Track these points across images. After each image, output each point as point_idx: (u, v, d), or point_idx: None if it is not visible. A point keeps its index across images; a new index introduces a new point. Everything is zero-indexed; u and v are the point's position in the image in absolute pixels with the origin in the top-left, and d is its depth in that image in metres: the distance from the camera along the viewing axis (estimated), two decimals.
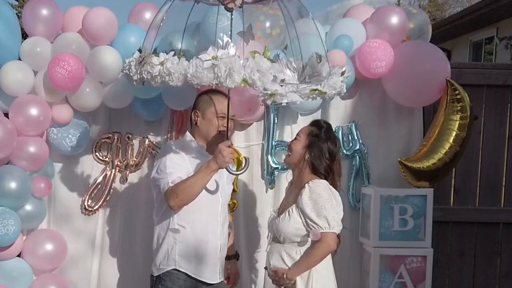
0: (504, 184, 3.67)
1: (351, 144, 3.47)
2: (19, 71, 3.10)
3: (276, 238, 2.70)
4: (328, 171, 2.68)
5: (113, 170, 3.44)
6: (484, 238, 3.68)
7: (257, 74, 2.11)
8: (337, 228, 2.58)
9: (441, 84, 3.23)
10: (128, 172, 3.45)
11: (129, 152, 3.43)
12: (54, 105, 3.19)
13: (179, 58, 2.19)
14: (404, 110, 3.46)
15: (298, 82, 2.25)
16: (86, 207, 3.43)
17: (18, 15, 3.89)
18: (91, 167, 3.46)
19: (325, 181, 2.63)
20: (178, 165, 2.68)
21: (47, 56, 3.14)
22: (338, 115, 3.49)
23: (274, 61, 2.21)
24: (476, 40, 11.75)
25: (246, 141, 3.47)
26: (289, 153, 2.75)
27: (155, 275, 2.80)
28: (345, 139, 3.47)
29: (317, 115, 3.48)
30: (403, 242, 3.32)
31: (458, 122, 3.19)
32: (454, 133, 3.19)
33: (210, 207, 2.77)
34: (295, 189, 2.71)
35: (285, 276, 2.57)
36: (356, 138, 3.47)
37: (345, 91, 2.44)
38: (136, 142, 3.44)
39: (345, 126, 3.48)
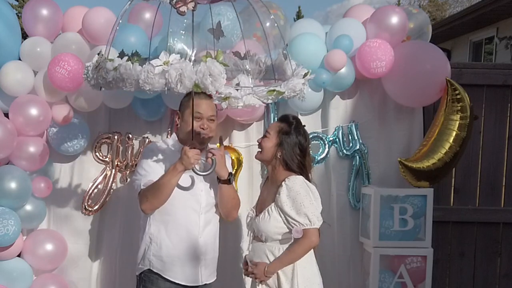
0: (504, 184, 3.67)
1: (351, 144, 3.47)
2: (19, 71, 3.10)
3: (257, 237, 2.68)
4: (301, 167, 2.65)
5: (113, 170, 3.44)
6: (484, 238, 3.68)
7: (209, 78, 2.09)
8: (317, 223, 2.58)
9: (441, 84, 3.23)
10: (128, 172, 3.44)
11: (129, 152, 3.43)
12: (54, 105, 3.19)
13: (132, 63, 2.15)
14: (404, 110, 3.46)
15: (252, 85, 2.22)
16: (86, 207, 3.43)
17: (18, 15, 3.89)
18: (91, 167, 3.46)
19: (301, 176, 2.62)
20: (153, 168, 2.66)
21: (47, 56, 3.14)
22: (338, 115, 3.49)
23: (227, 65, 2.18)
24: (476, 40, 11.74)
25: (246, 141, 3.47)
26: (259, 150, 2.72)
27: (136, 274, 2.79)
28: (345, 139, 3.47)
29: (317, 115, 3.49)
30: (403, 242, 3.32)
31: (458, 122, 3.19)
32: (454, 133, 3.20)
33: (188, 208, 2.71)
34: (272, 186, 2.69)
35: (265, 268, 2.56)
36: (356, 138, 3.47)
37: (304, 93, 2.41)
38: (136, 142, 3.44)
39: (345, 126, 3.48)
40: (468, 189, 3.68)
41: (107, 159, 3.44)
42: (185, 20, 2.25)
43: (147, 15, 3.24)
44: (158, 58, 2.12)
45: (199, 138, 2.67)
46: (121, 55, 2.24)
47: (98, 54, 2.36)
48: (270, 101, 2.31)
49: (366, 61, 3.21)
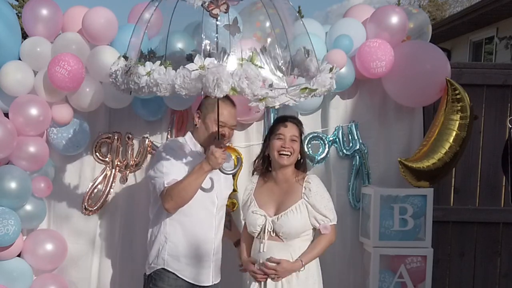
0: (504, 184, 3.67)
1: (351, 144, 3.47)
2: (19, 71, 3.10)
3: (274, 237, 2.72)
4: (305, 167, 2.87)
5: (113, 170, 3.44)
6: (484, 238, 3.68)
7: (245, 81, 2.09)
8: (334, 221, 2.78)
9: (441, 84, 3.23)
10: (128, 172, 3.45)
11: (129, 152, 3.43)
12: (54, 105, 3.19)
13: (165, 67, 2.15)
14: (404, 110, 3.46)
15: (286, 86, 2.24)
16: (86, 207, 3.43)
17: (18, 15, 3.89)
18: (91, 167, 3.46)
19: (315, 175, 2.85)
20: (175, 166, 2.67)
21: (47, 56, 3.14)
22: (338, 115, 3.49)
23: (262, 67, 2.19)
24: (476, 40, 11.74)
25: (246, 141, 3.47)
26: (289, 154, 2.77)
27: (147, 273, 2.81)
28: (345, 139, 3.48)
29: (317, 115, 3.48)
30: (403, 242, 3.32)
31: (458, 122, 3.19)
32: (454, 133, 3.20)
33: (205, 209, 2.75)
34: (284, 185, 2.79)
35: (301, 262, 2.68)
36: (356, 138, 3.47)
37: (334, 87, 2.45)
38: (136, 142, 3.44)
39: (345, 126, 3.48)
40: (468, 189, 3.68)
41: (107, 159, 3.44)
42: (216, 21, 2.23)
43: (147, 15, 3.24)
44: (193, 62, 2.10)
45: (222, 143, 2.67)
46: (147, 57, 2.26)
47: (124, 57, 2.35)
48: (302, 99, 2.31)
49: (366, 61, 3.21)
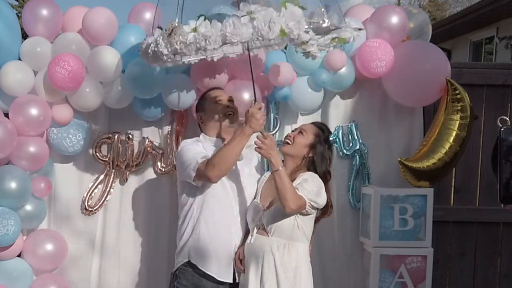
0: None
1: (351, 144, 3.47)
2: (19, 71, 3.10)
3: (263, 231, 2.68)
4: (325, 176, 2.74)
5: (113, 170, 3.44)
6: (484, 238, 3.68)
7: (292, 22, 2.15)
8: (309, 201, 2.59)
9: (441, 84, 3.23)
10: (128, 172, 3.44)
11: (129, 152, 3.42)
12: (54, 105, 3.19)
13: (210, 21, 2.21)
14: (404, 110, 3.46)
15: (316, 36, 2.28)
16: (86, 207, 3.43)
17: (18, 15, 3.89)
18: (91, 167, 3.46)
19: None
20: (198, 150, 2.71)
21: (47, 56, 3.14)
22: (338, 115, 3.49)
23: (305, 8, 2.24)
24: (476, 40, 11.74)
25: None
26: (290, 143, 2.76)
27: (173, 271, 2.83)
28: (345, 139, 3.47)
29: (317, 115, 3.48)
30: (403, 242, 3.32)
31: (458, 122, 3.19)
32: (454, 133, 3.19)
33: (227, 206, 2.77)
34: None
35: (280, 168, 2.55)
36: (356, 138, 3.47)
37: (355, 40, 2.51)
38: (136, 142, 3.44)
39: (345, 126, 3.48)
40: (468, 189, 3.68)
41: (107, 159, 3.43)
42: None
43: (147, 15, 3.24)
44: (228, 14, 2.23)
45: (231, 118, 2.81)
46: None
47: (159, 28, 2.39)
48: (330, 49, 2.43)
49: (366, 61, 3.21)
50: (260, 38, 2.20)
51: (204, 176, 2.62)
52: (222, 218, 2.76)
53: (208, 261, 2.74)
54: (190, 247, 2.75)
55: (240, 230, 2.81)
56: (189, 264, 2.75)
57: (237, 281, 2.78)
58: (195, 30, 2.21)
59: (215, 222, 2.74)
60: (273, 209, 2.66)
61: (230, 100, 2.89)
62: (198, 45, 2.23)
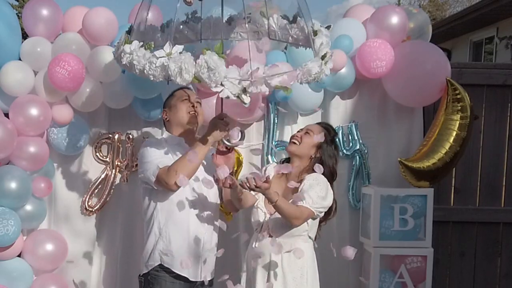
0: (504, 184, 3.67)
1: (351, 144, 3.47)
2: (19, 71, 3.10)
3: (268, 233, 2.68)
4: (331, 175, 2.76)
5: (113, 170, 3.44)
6: (484, 238, 3.68)
7: (206, 72, 2.14)
8: (316, 209, 2.60)
9: (441, 84, 3.23)
10: (128, 172, 3.44)
11: (129, 152, 3.42)
12: (54, 105, 3.19)
13: (145, 49, 2.22)
14: (404, 110, 3.46)
15: (265, 75, 2.22)
16: (86, 207, 3.43)
17: (18, 15, 3.89)
18: (91, 167, 3.46)
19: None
20: (159, 154, 2.68)
21: (47, 56, 3.14)
22: (338, 115, 3.49)
23: (224, 57, 2.22)
24: (476, 40, 11.74)
25: (246, 141, 3.45)
26: (296, 143, 2.76)
27: (142, 273, 2.77)
28: (345, 139, 3.47)
29: (317, 115, 3.48)
30: (403, 242, 3.32)
31: (458, 122, 3.19)
32: (454, 133, 3.20)
33: (195, 205, 2.73)
34: (290, 181, 2.69)
35: (277, 193, 2.51)
36: (356, 138, 3.47)
37: (326, 75, 2.47)
38: (136, 142, 3.44)
39: (345, 126, 3.48)
40: (468, 189, 3.67)
41: (107, 159, 3.44)
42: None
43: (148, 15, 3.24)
44: (163, 48, 2.18)
45: (194, 118, 2.78)
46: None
47: (127, 32, 2.42)
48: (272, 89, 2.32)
49: (366, 61, 3.21)
50: (173, 81, 2.18)
51: (164, 183, 2.60)
52: (189, 218, 2.71)
53: (178, 261, 2.68)
54: (160, 251, 2.71)
55: (210, 229, 2.77)
56: (161, 267, 2.72)
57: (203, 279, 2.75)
58: (131, 53, 2.23)
59: (183, 222, 2.71)
60: (280, 218, 2.62)
61: (197, 101, 2.86)
62: (130, 69, 2.27)
